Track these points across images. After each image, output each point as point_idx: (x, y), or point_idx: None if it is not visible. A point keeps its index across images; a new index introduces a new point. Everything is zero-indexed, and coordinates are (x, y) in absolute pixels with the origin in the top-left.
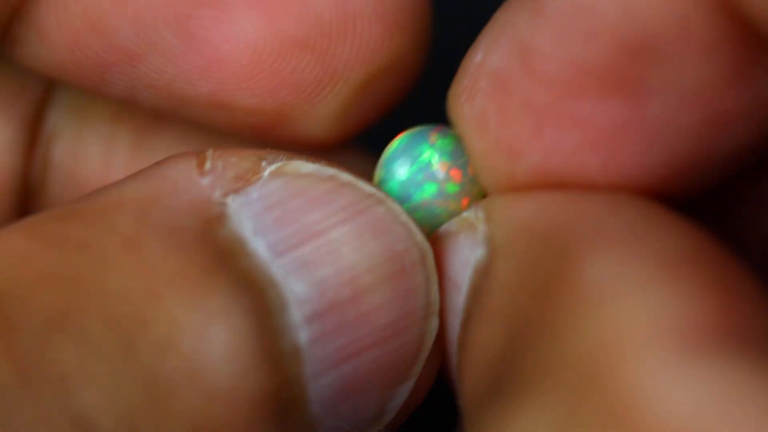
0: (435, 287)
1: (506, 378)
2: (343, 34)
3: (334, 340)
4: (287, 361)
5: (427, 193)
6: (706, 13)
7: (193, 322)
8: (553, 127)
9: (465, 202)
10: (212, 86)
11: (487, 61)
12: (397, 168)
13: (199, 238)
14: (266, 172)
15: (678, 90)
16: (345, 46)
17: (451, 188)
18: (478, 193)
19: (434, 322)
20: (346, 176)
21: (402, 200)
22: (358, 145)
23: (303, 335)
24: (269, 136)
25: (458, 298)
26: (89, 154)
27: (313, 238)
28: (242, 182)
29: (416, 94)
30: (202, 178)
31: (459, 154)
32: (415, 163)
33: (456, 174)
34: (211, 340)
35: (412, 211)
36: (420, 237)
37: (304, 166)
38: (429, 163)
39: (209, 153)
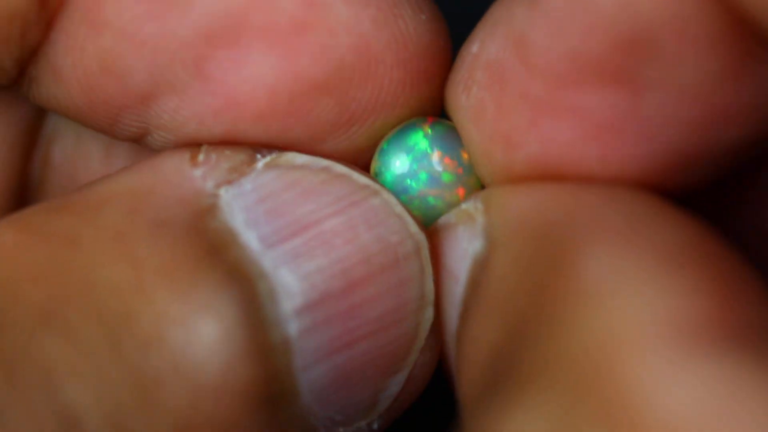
0: (430, 278)
1: (503, 373)
2: (365, 78)
3: (325, 332)
4: (277, 353)
5: (422, 183)
6: (703, 8)
7: (181, 316)
8: (551, 118)
9: (461, 192)
10: (225, 127)
11: (484, 52)
12: (393, 159)
13: (189, 230)
14: (260, 164)
15: (675, 84)
16: (365, 90)
17: (447, 178)
18: (474, 183)
19: (428, 313)
20: (340, 168)
21: (398, 191)
22: None
23: (293, 327)
24: None
25: (456, 290)
26: (89, 155)
27: (305, 229)
28: (236, 174)
29: None
30: (195, 169)
31: (454, 144)
32: (410, 154)
33: (451, 163)
34: (199, 334)
35: (408, 202)
36: (415, 228)
37: (298, 158)
38: (424, 154)
39: (204, 147)
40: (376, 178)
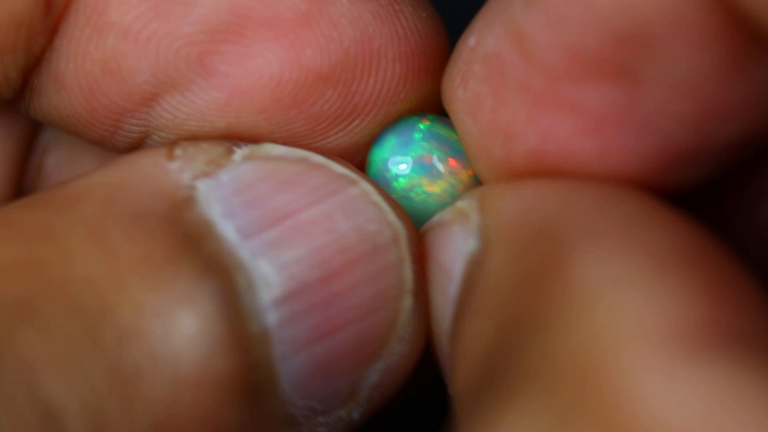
0: (408, 267)
1: (496, 375)
2: (367, 71)
3: (304, 322)
4: (255, 343)
5: (417, 178)
6: (700, 5)
7: (158, 307)
8: (549, 112)
9: (456, 188)
10: (228, 121)
11: (482, 45)
12: (388, 155)
13: (165, 222)
14: (237, 156)
15: (671, 79)
16: (367, 83)
17: (441, 174)
18: (468, 179)
19: (407, 301)
20: (317, 158)
21: (392, 187)
22: None
23: (272, 317)
24: None
25: (451, 289)
26: (83, 165)
27: (282, 220)
28: (213, 166)
29: None
30: (172, 162)
31: (449, 140)
32: (405, 150)
33: (446, 160)
34: (176, 325)
35: (402, 198)
36: (392, 217)
37: (275, 149)
38: (419, 149)
39: (182, 142)
40: (371, 173)
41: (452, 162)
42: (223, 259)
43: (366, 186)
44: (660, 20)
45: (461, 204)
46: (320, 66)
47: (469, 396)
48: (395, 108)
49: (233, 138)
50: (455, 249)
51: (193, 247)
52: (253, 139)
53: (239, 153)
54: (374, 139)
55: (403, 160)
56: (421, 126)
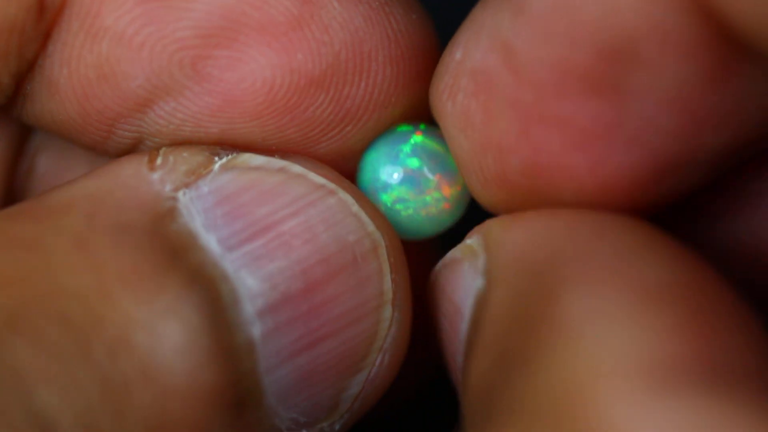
0: (388, 277)
1: (492, 408)
2: (358, 74)
3: (288, 333)
4: (241, 355)
5: (406, 190)
6: (684, 17)
7: (146, 320)
8: (540, 127)
9: (444, 202)
10: (222, 126)
11: (468, 58)
12: (377, 166)
13: (150, 234)
14: (217, 166)
15: (658, 92)
16: (359, 86)
17: (430, 186)
18: (456, 193)
19: (387, 312)
20: (296, 168)
21: (381, 198)
22: None
23: (256, 329)
24: None
25: (462, 326)
26: (74, 167)
27: (263, 231)
28: (193, 176)
29: None
30: (153, 173)
31: (438, 152)
32: (395, 161)
33: (435, 172)
34: (164, 337)
35: (390, 210)
36: (371, 227)
37: (254, 159)
38: (408, 161)
39: (162, 149)
40: (361, 182)
41: (441, 177)
42: (207, 271)
43: (345, 196)
44: (645, 33)
45: (470, 241)
46: (312, 70)
47: (473, 429)
48: (387, 112)
49: (225, 145)
50: (465, 287)
51: (178, 259)
52: (246, 148)
53: (218, 162)
54: (367, 145)
55: (392, 171)
56: (413, 139)
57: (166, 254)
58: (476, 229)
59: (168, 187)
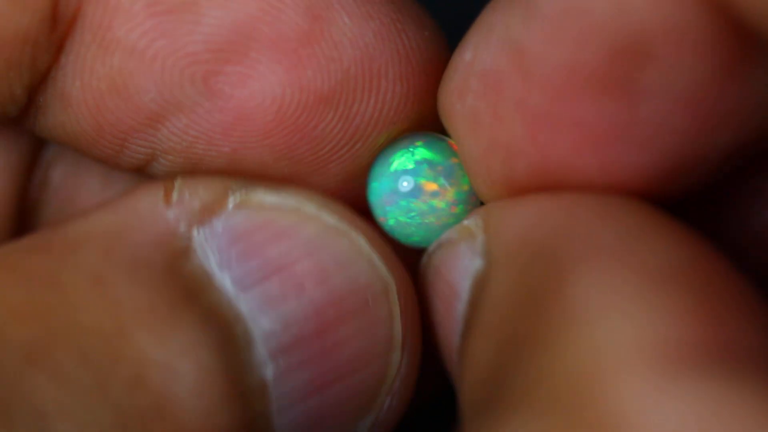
0: (398, 321)
1: (497, 393)
2: (368, 91)
3: (299, 375)
4: (254, 396)
5: (412, 200)
6: (697, 14)
7: (162, 359)
8: (550, 128)
9: (452, 208)
10: (234, 145)
11: (478, 60)
12: (383, 177)
13: (166, 273)
14: (230, 204)
15: (670, 91)
16: (369, 103)
17: (436, 194)
18: (464, 198)
19: (396, 356)
20: (310, 208)
21: (387, 210)
22: None
23: (269, 371)
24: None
25: (459, 307)
26: (88, 179)
27: (277, 272)
28: (207, 214)
29: None
30: (168, 210)
31: (442, 162)
32: (400, 172)
33: (440, 181)
34: (179, 377)
35: (396, 222)
36: (383, 270)
37: (267, 198)
38: (413, 170)
39: (177, 182)
40: (369, 196)
41: (447, 184)
42: (222, 311)
43: (357, 238)
44: (658, 31)
45: (468, 222)
46: (321, 87)
47: (474, 413)
48: (396, 128)
49: (237, 171)
50: (462, 268)
51: (194, 299)
52: (258, 170)
53: (232, 200)
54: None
55: (398, 182)
56: (418, 148)
57: (181, 293)
58: (474, 211)
59: (183, 225)
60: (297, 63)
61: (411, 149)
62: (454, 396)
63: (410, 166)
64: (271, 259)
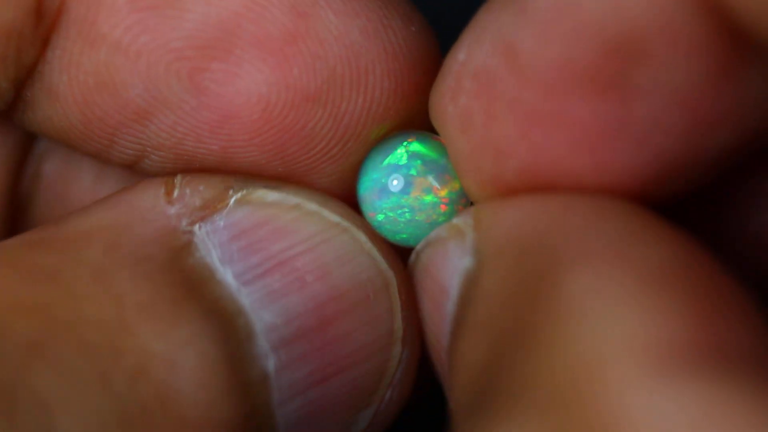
0: (398, 316)
1: (489, 391)
2: (356, 89)
3: (301, 368)
4: (256, 389)
5: (403, 198)
6: (691, 13)
7: (164, 351)
8: (541, 127)
9: (443, 207)
10: (222, 143)
11: (471, 60)
12: (374, 176)
13: (167, 268)
14: (232, 201)
15: (664, 91)
16: (357, 101)
17: (427, 192)
18: (455, 198)
19: (397, 349)
20: (311, 205)
21: (378, 208)
22: None
23: (270, 363)
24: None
25: (448, 307)
26: (80, 173)
27: (278, 267)
28: (209, 210)
29: None
30: (170, 206)
31: (434, 160)
32: (391, 171)
33: (432, 180)
34: (181, 369)
35: (387, 220)
36: (384, 265)
37: (269, 195)
38: (405, 170)
39: (178, 179)
40: (359, 192)
41: (437, 182)
42: (224, 305)
43: (358, 234)
44: (651, 29)
45: (457, 221)
46: (308, 85)
47: (465, 412)
48: (387, 125)
49: (231, 170)
50: (452, 266)
51: (195, 293)
52: (252, 170)
53: (233, 197)
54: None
55: (389, 179)
56: (408, 146)
57: (183, 287)
58: (464, 210)
59: (184, 221)
60: (283, 61)
61: (403, 146)
62: (444, 396)
63: (401, 162)
64: (272, 254)
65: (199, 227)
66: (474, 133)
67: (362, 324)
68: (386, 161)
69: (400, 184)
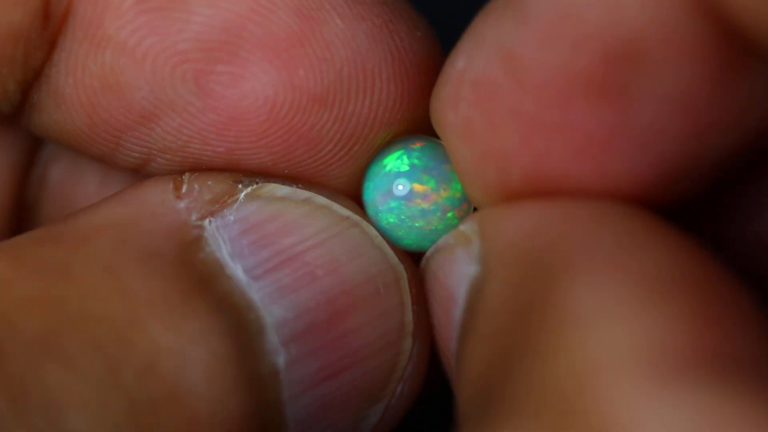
0: (409, 310)
1: (492, 397)
2: (362, 92)
3: (311, 363)
4: (266, 384)
5: (407, 204)
6: (690, 18)
7: (174, 347)
8: (543, 135)
9: (446, 212)
10: (228, 145)
11: (471, 68)
12: (378, 181)
13: (177, 263)
14: (242, 195)
15: (664, 96)
16: (363, 103)
17: (431, 198)
18: (458, 202)
19: (407, 343)
20: (321, 199)
21: (384, 213)
22: None
23: (281, 358)
24: None
25: (456, 312)
26: (86, 178)
27: (289, 261)
28: (218, 205)
29: None
30: (179, 201)
31: (439, 165)
32: (395, 176)
33: (435, 185)
34: (191, 364)
35: (394, 224)
36: (394, 259)
37: (279, 189)
38: (408, 175)
39: (186, 176)
40: (364, 199)
41: (441, 188)
42: (234, 300)
43: (367, 228)
44: (650, 35)
45: (464, 227)
46: (314, 87)
47: (469, 417)
48: (393, 128)
49: (238, 169)
50: (459, 273)
51: (206, 288)
52: (258, 171)
53: (243, 191)
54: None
55: (393, 185)
56: (412, 152)
57: (193, 282)
58: (470, 216)
59: (194, 216)
60: (289, 63)
61: (407, 151)
62: (452, 397)
63: (405, 168)
64: (283, 249)
65: (209, 222)
66: (476, 141)
67: (373, 318)
68: (390, 167)
69: (402, 191)
